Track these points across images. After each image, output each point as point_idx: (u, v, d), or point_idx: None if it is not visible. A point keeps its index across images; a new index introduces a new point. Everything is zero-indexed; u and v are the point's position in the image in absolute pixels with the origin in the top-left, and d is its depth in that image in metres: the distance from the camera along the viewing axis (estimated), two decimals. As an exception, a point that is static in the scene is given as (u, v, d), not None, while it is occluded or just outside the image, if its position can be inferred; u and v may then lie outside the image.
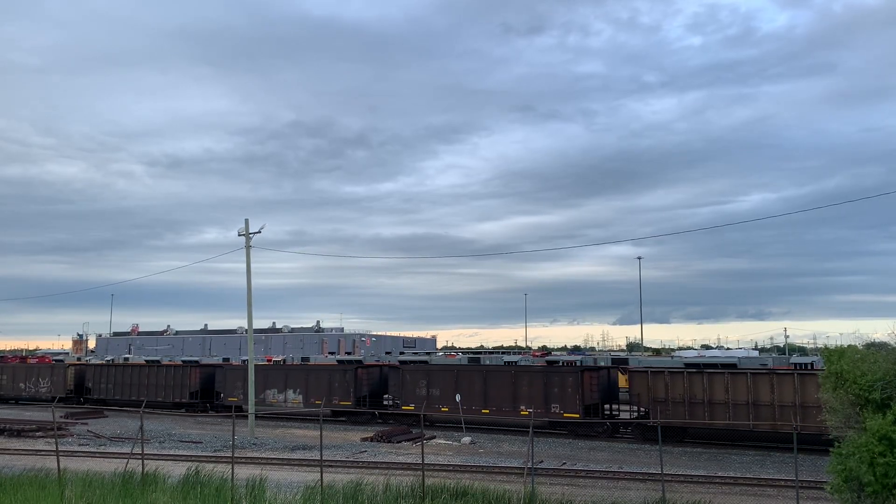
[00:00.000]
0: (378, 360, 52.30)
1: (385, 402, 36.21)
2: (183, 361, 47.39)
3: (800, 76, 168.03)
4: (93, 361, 52.04)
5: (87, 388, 45.97)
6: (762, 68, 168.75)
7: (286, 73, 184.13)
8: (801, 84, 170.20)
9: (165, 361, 48.21)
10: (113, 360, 61.77)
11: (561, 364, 32.35)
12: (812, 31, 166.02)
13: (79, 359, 74.59)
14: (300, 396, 36.96)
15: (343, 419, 36.12)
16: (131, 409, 41.31)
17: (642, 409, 28.58)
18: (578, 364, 33.40)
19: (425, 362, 36.02)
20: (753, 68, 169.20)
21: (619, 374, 32.77)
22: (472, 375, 32.21)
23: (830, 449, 11.16)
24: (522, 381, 30.77)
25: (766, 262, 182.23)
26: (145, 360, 49.58)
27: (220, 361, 49.61)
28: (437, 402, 32.57)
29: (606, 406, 31.44)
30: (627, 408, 31.55)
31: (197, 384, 41.56)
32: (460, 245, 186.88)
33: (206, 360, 51.38)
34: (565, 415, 29.54)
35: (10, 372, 50.17)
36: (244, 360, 41.76)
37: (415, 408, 32.43)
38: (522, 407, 30.33)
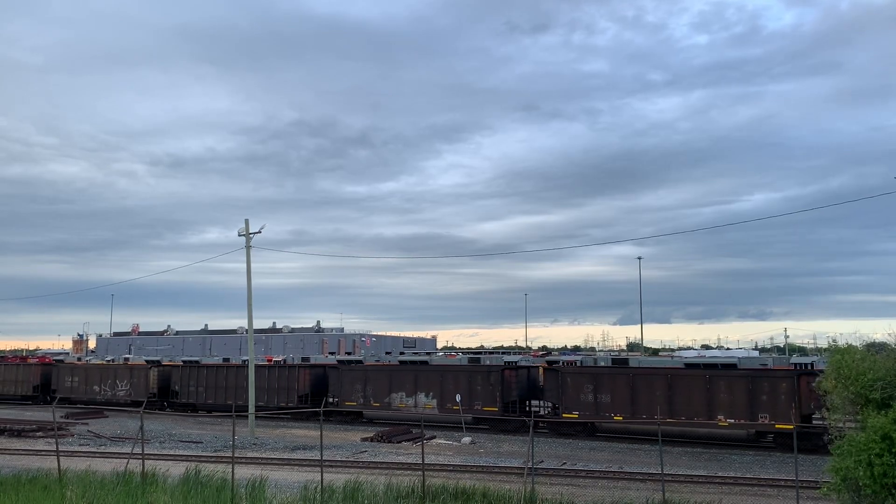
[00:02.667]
0: (378, 360, 51.63)
1: (535, 409, 32.98)
2: (302, 360, 43.69)
3: (805, 75, 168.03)
4: (182, 360, 46.99)
5: (174, 391, 42.24)
6: (767, 67, 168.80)
7: (289, 72, 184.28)
8: (806, 83, 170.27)
9: (276, 360, 44.01)
10: (196, 360, 53.61)
11: (770, 367, 28.78)
12: (818, 30, 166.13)
13: (79, 359, 74.38)
14: (434, 401, 33.20)
15: (486, 427, 32.26)
16: (227, 414, 35.59)
17: None
18: (579, 363, 33.14)
19: (594, 364, 31.89)
20: (759, 67, 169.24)
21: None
22: (653, 380, 28.41)
23: (828, 448, 11.14)
24: (719, 386, 26.93)
25: (768, 262, 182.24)
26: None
27: (334, 361, 42.43)
28: (609, 410, 28.86)
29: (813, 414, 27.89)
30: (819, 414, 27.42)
31: (307, 386, 37.55)
32: (462, 245, 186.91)
33: (318, 360, 45.66)
34: (777, 425, 26.02)
35: (83, 374, 46.67)
36: (244, 360, 41.46)
37: (579, 415, 29.46)
38: (721, 416, 26.73)
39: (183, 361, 46.49)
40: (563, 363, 32.65)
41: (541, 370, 33.87)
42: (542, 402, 32.25)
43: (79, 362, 53.77)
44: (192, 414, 40.11)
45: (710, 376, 27.50)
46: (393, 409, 34.44)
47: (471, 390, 32.39)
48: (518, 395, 32.39)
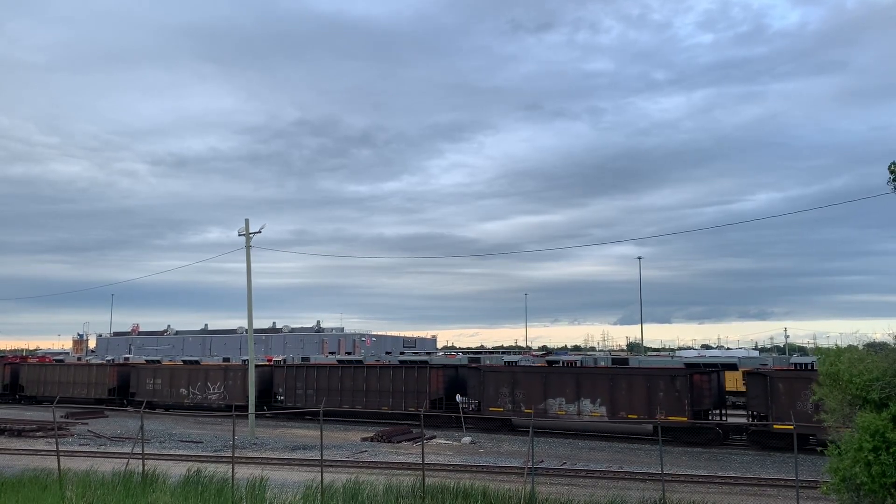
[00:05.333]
0: (378, 360, 51.69)
1: (723, 418, 30.16)
2: (302, 359, 40.93)
3: (809, 74, 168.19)
4: (288, 361, 43.51)
5: (276, 394, 38.94)
6: (772, 66, 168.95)
7: (291, 71, 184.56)
8: (810, 82, 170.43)
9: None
10: (307, 359, 50.85)
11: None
12: (823, 29, 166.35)
13: (79, 359, 74.23)
14: (602, 408, 29.79)
15: (668, 438, 27.98)
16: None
17: None
18: (578, 364, 33.15)
19: (809, 367, 28.31)
20: (763, 66, 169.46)
21: None
22: None
23: (825, 450, 11.16)
24: None
25: (770, 262, 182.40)
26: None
27: (471, 362, 39.67)
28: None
29: None
30: None
31: (441, 389, 34.46)
32: (463, 245, 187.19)
33: (453, 361, 41.47)
34: None
35: (167, 375, 42.80)
36: (244, 360, 41.46)
37: (794, 426, 26.39)
38: None
39: (298, 361, 42.80)
40: (561, 363, 32.77)
41: (731, 374, 30.15)
42: (750, 410, 28.56)
43: (163, 363, 49.99)
44: (192, 413, 40.03)
45: None
46: (550, 416, 30.99)
47: (650, 397, 29.09)
48: (711, 403, 29.47)
